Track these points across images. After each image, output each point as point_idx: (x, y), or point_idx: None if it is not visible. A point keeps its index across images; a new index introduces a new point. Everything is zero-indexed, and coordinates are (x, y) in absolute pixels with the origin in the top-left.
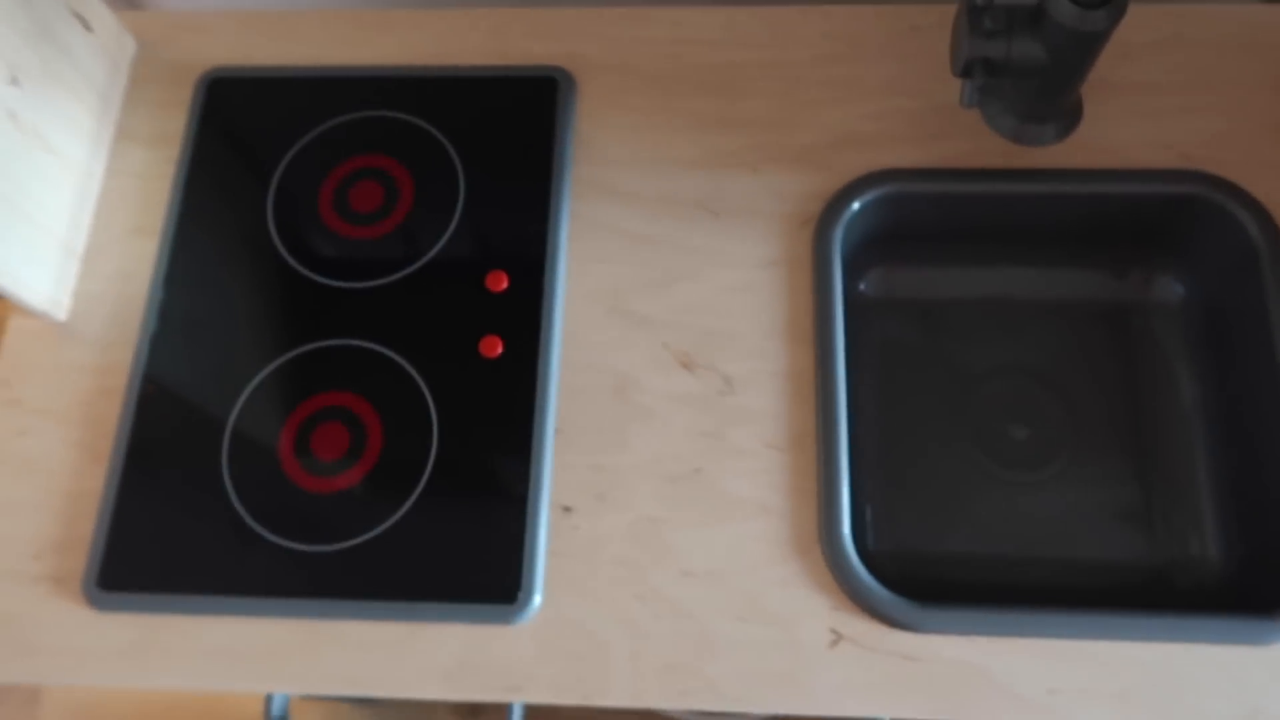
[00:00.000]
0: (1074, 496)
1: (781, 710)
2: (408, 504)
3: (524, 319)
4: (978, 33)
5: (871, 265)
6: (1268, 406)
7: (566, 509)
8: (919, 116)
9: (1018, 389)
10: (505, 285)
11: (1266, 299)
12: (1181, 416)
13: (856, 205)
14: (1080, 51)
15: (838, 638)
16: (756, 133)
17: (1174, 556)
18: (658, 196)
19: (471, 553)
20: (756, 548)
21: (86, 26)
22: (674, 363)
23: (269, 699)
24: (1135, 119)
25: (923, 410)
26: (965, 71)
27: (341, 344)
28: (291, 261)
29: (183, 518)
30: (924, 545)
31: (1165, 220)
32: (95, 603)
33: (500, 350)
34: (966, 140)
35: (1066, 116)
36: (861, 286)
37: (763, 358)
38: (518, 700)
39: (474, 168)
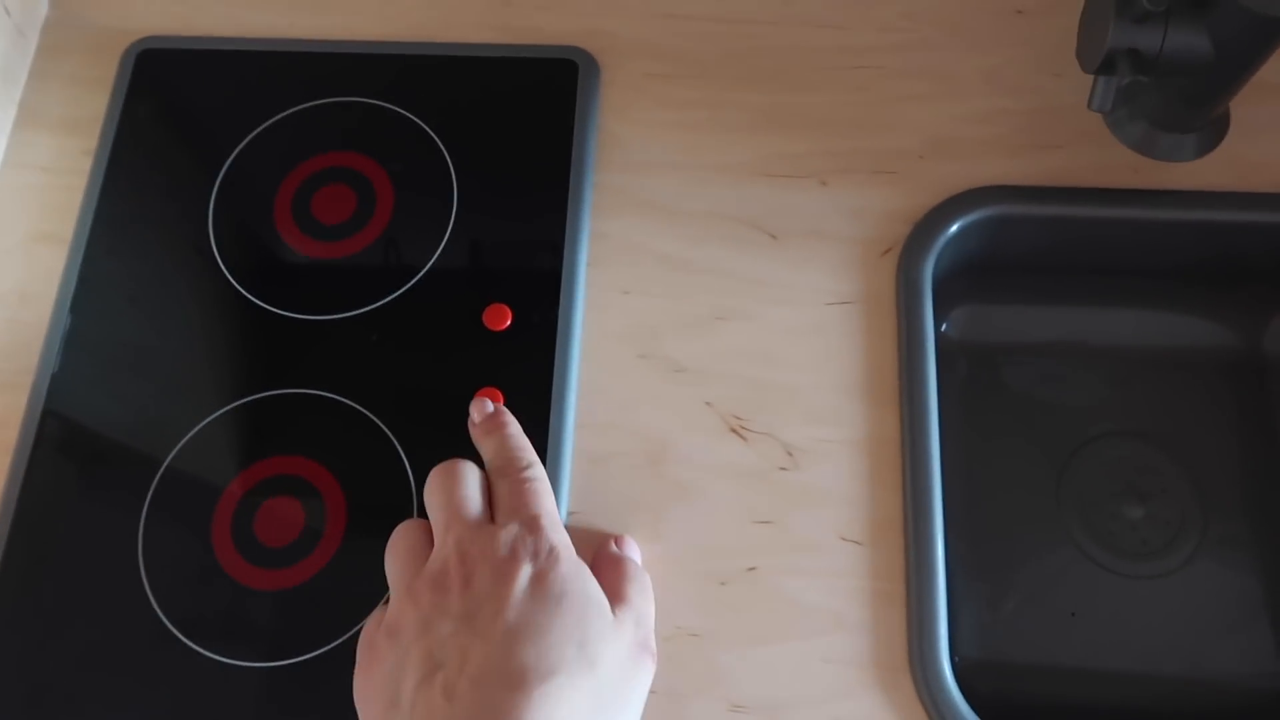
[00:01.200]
0: (1202, 596)
1: None
2: (377, 608)
3: (531, 366)
4: (1127, 17)
5: (956, 302)
6: None
7: None
8: (1025, 120)
9: (1132, 458)
10: (508, 322)
11: None
12: None
13: (954, 230)
14: (1257, 45)
15: None
16: (825, 135)
17: None
18: (701, 212)
19: None
20: (829, 672)
21: None
22: (721, 426)
23: None
24: None
25: (1016, 482)
26: (1105, 66)
27: (296, 394)
28: (235, 284)
29: (82, 619)
30: (1020, 655)
31: None
32: None
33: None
34: (1083, 151)
35: (1211, 127)
36: (943, 327)
37: (834, 422)
38: None
39: (471, 172)
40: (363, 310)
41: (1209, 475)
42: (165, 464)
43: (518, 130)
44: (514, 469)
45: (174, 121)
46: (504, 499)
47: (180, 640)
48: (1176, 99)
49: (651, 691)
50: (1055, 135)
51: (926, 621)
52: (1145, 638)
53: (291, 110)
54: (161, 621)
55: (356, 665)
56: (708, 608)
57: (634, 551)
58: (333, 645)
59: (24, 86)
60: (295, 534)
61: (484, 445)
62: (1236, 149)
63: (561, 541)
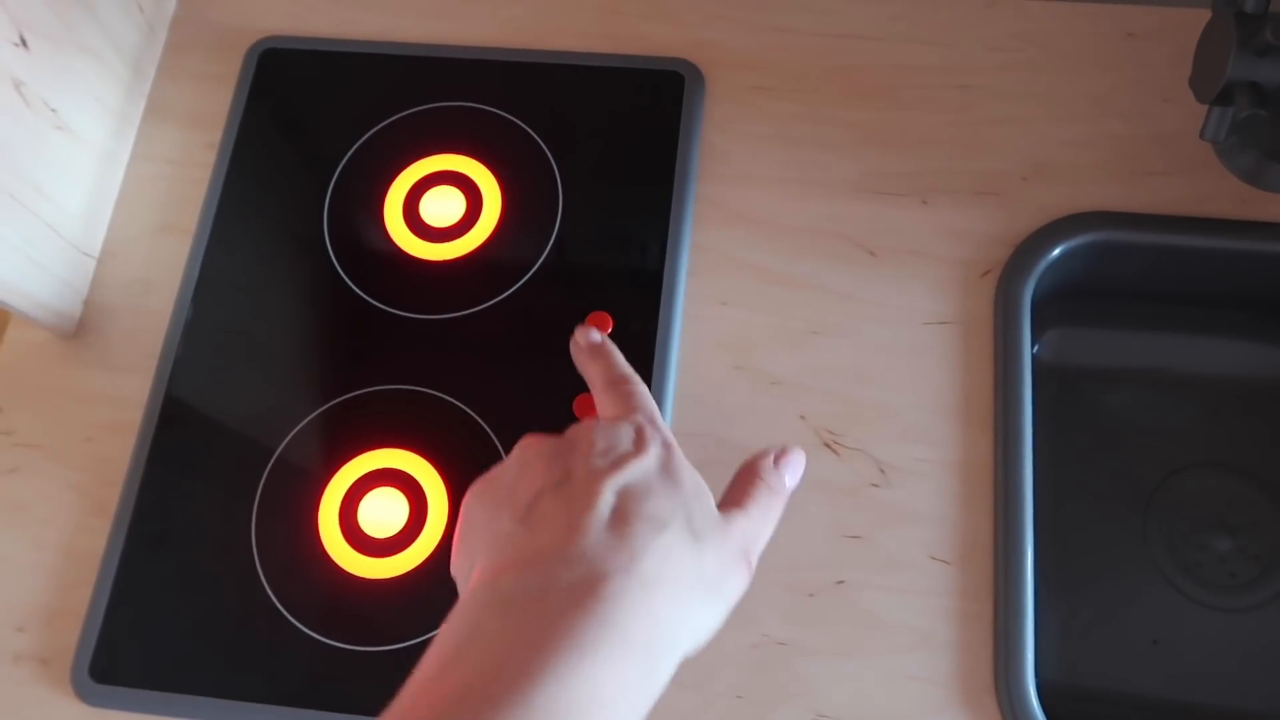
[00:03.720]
0: None
1: None
2: None
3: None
4: (1249, 50)
5: (1050, 324)
6: None
7: None
8: (1132, 145)
9: (1222, 489)
10: (609, 329)
11: None
12: None
13: (1055, 254)
14: None
15: None
16: (927, 154)
17: None
18: (801, 227)
19: None
20: (912, 690)
21: None
22: (815, 440)
23: None
24: None
25: (1103, 507)
26: (1222, 98)
27: (402, 389)
28: (348, 281)
29: (200, 598)
30: (1101, 681)
31: None
32: (86, 696)
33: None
34: (1190, 179)
35: None
36: (1036, 349)
37: (928, 442)
38: None
39: (576, 179)
40: (468, 312)
41: None
42: (277, 452)
43: (623, 139)
44: (622, 383)
45: (293, 120)
46: (611, 408)
47: (288, 619)
48: None
49: (739, 696)
50: (1162, 162)
51: (1013, 644)
52: (1228, 671)
53: (404, 113)
54: (270, 598)
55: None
56: (795, 618)
57: (791, 473)
58: (431, 634)
59: (153, 81)
60: (400, 525)
61: (589, 368)
62: None
63: (671, 439)
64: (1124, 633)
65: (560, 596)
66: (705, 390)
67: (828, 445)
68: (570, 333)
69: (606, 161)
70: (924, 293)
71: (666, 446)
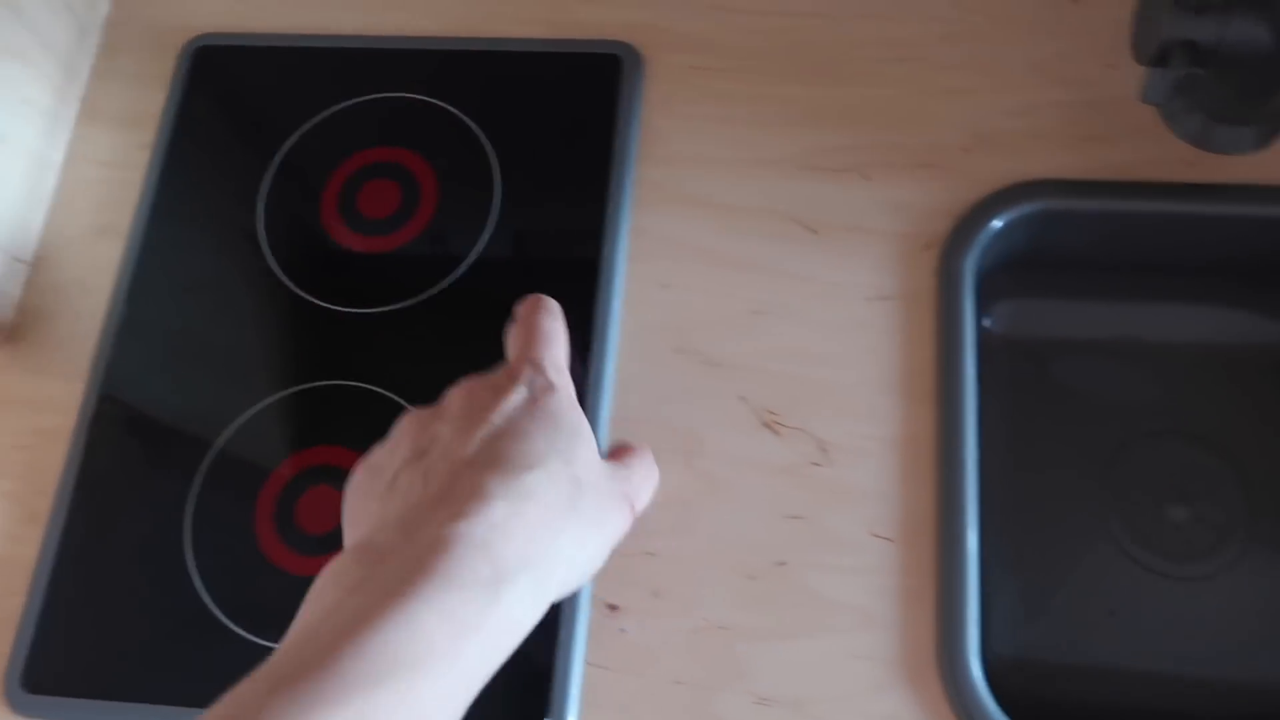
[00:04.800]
0: (1250, 597)
1: None
2: None
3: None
4: (1185, 7)
5: (1001, 296)
6: None
7: (612, 607)
8: (1076, 112)
9: (1179, 457)
10: None
11: None
12: None
13: (998, 225)
14: None
15: None
16: (869, 129)
17: None
18: (742, 207)
19: None
20: (856, 669)
21: None
22: (755, 421)
23: None
24: None
25: (1058, 479)
26: (1160, 58)
27: (340, 385)
28: (284, 278)
29: (134, 605)
30: (1057, 654)
31: None
32: (18, 706)
33: None
34: (1136, 144)
35: (1270, 118)
36: (986, 323)
37: (870, 419)
38: None
39: (513, 167)
40: (405, 304)
41: (1257, 476)
42: (212, 454)
43: (561, 124)
44: (531, 338)
45: (229, 117)
46: (514, 349)
47: (221, 621)
48: (1234, 91)
49: (679, 682)
50: (1106, 128)
51: (955, 619)
52: (1186, 640)
53: (340, 106)
54: (204, 602)
55: (348, 482)
56: (736, 601)
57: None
58: None
59: (86, 83)
60: (336, 522)
61: (516, 329)
62: None
63: (562, 382)
64: (1080, 605)
65: (401, 559)
66: (645, 374)
67: (768, 425)
68: (509, 318)
69: (544, 148)
70: (866, 268)
71: (543, 389)
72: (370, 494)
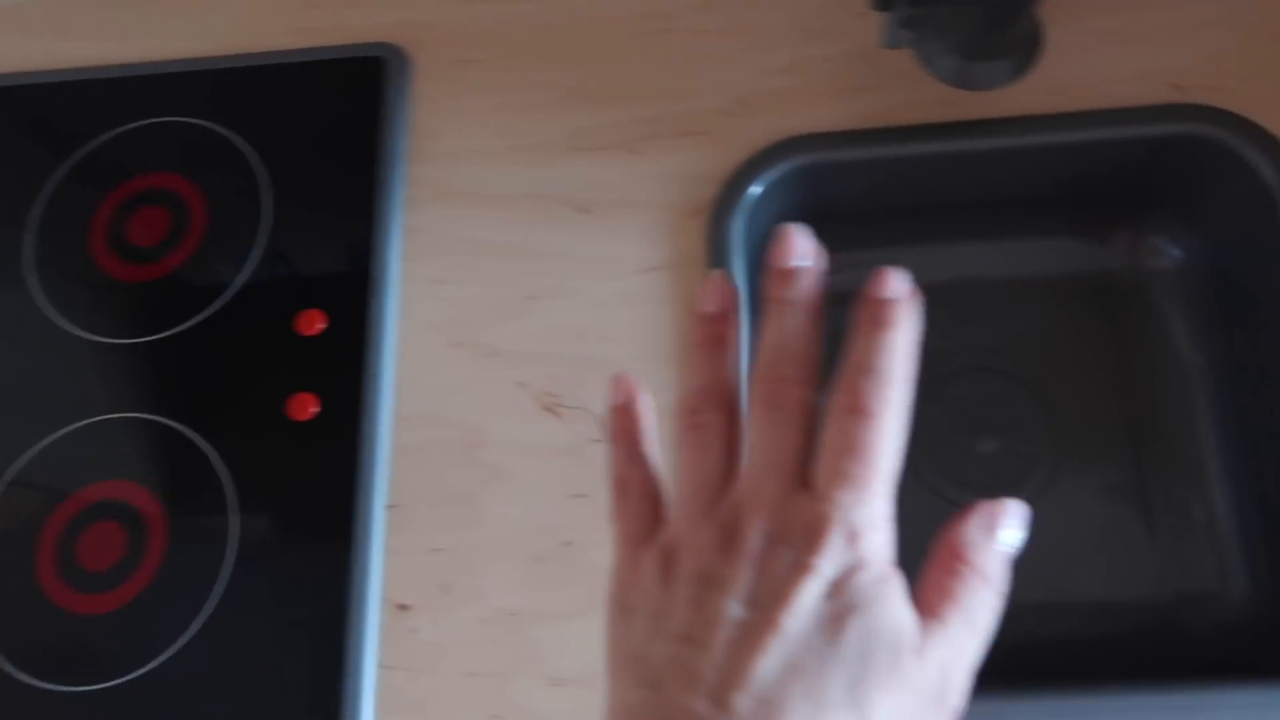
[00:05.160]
0: (1061, 523)
1: None
2: (199, 620)
3: (344, 366)
4: None
5: None
6: None
7: (403, 607)
8: (839, 65)
9: (982, 392)
10: (321, 326)
11: None
12: (1187, 412)
13: (760, 186)
14: None
15: None
16: (635, 104)
17: (1186, 591)
18: (514, 194)
19: (281, 675)
20: None
21: None
22: (536, 406)
23: None
24: (1111, 43)
25: None
26: (885, 2)
27: (114, 418)
28: (53, 315)
29: None
30: None
31: (1156, 170)
32: None
33: (314, 410)
34: (900, 90)
35: (1023, 49)
36: None
37: (648, 390)
38: None
39: (283, 180)
40: (177, 330)
41: (1060, 401)
42: None
43: (329, 133)
44: (865, 396)
45: None
46: (831, 443)
47: (5, 670)
48: (977, 26)
49: (473, 674)
50: (867, 78)
51: None
52: (1012, 570)
53: (104, 137)
54: None
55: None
56: (526, 586)
57: (1002, 536)
58: (153, 665)
59: None
60: (117, 558)
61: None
62: (1053, 70)
63: (880, 537)
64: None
65: None
66: (424, 372)
67: (548, 409)
68: (283, 334)
69: (313, 158)
70: (637, 241)
71: (852, 572)
72: (629, 655)
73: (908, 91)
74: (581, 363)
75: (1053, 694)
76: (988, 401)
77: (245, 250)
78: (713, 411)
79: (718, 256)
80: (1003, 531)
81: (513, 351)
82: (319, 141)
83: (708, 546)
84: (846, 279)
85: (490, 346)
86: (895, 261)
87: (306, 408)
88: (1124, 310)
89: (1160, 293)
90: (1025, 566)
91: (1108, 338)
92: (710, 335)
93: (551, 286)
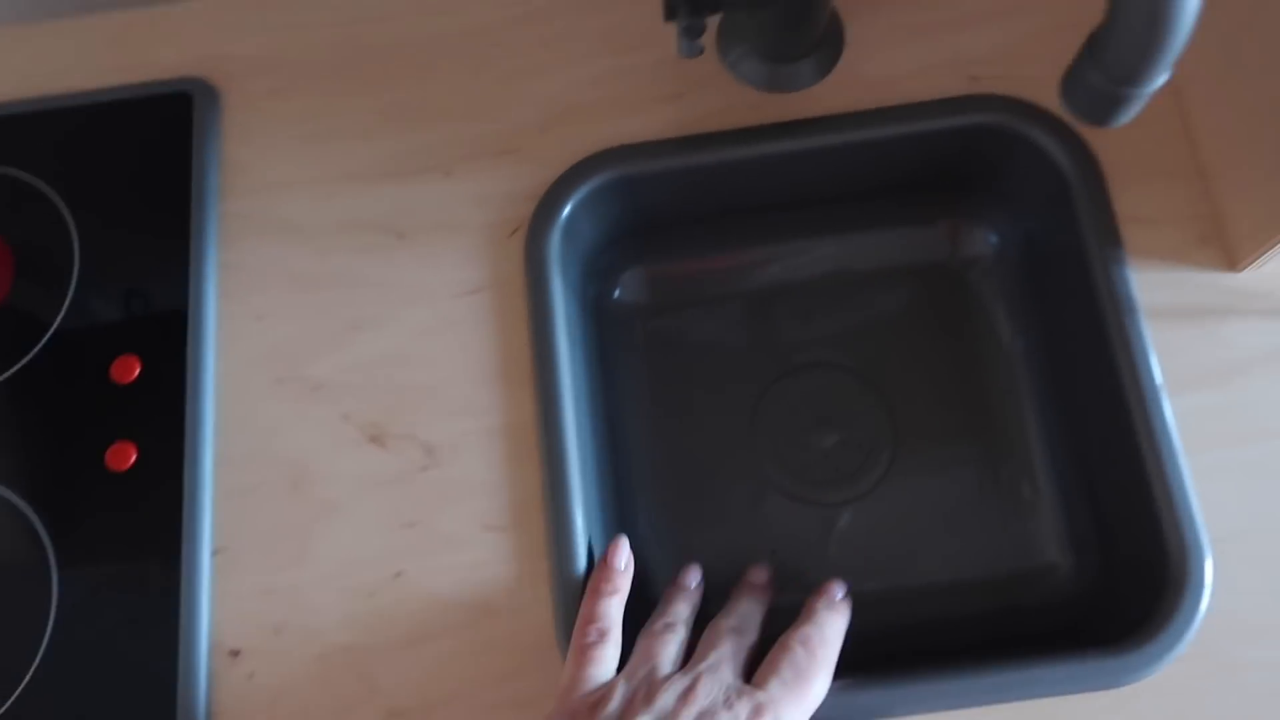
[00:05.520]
0: (904, 511)
1: None
2: (24, 681)
3: (163, 411)
4: None
5: (624, 266)
6: (1092, 366)
7: (234, 653)
8: (650, 75)
9: (823, 387)
10: (137, 372)
11: (1084, 241)
12: (1014, 395)
13: (571, 202)
14: None
15: None
16: (447, 125)
17: (1020, 570)
18: (330, 224)
19: None
20: (482, 661)
21: None
22: (361, 437)
23: None
24: (910, 37)
25: (711, 432)
26: (670, 13)
27: None
28: None
29: None
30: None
31: (964, 158)
32: None
33: (134, 459)
34: (712, 96)
35: (824, 48)
36: (616, 293)
37: (472, 414)
38: None
39: (92, 225)
40: None
41: (897, 391)
42: None
43: (137, 173)
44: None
45: None
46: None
47: None
48: (773, 28)
49: (308, 715)
50: (677, 85)
51: (571, 596)
52: (847, 563)
53: None
54: None
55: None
56: (358, 621)
57: (833, 619)
58: None
59: None
60: None
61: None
62: (856, 67)
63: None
64: (745, 549)
65: None
66: (247, 411)
67: (374, 439)
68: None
69: (122, 200)
70: (456, 264)
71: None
72: None
73: (718, 97)
74: (406, 390)
75: (901, 679)
76: (827, 395)
77: (56, 300)
78: (605, 644)
79: (536, 274)
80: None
81: (336, 384)
82: (129, 182)
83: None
84: (684, 286)
85: (313, 380)
86: (724, 266)
87: (125, 457)
88: (952, 298)
89: (981, 279)
90: (873, 556)
91: (939, 325)
92: (615, 587)
93: (372, 315)
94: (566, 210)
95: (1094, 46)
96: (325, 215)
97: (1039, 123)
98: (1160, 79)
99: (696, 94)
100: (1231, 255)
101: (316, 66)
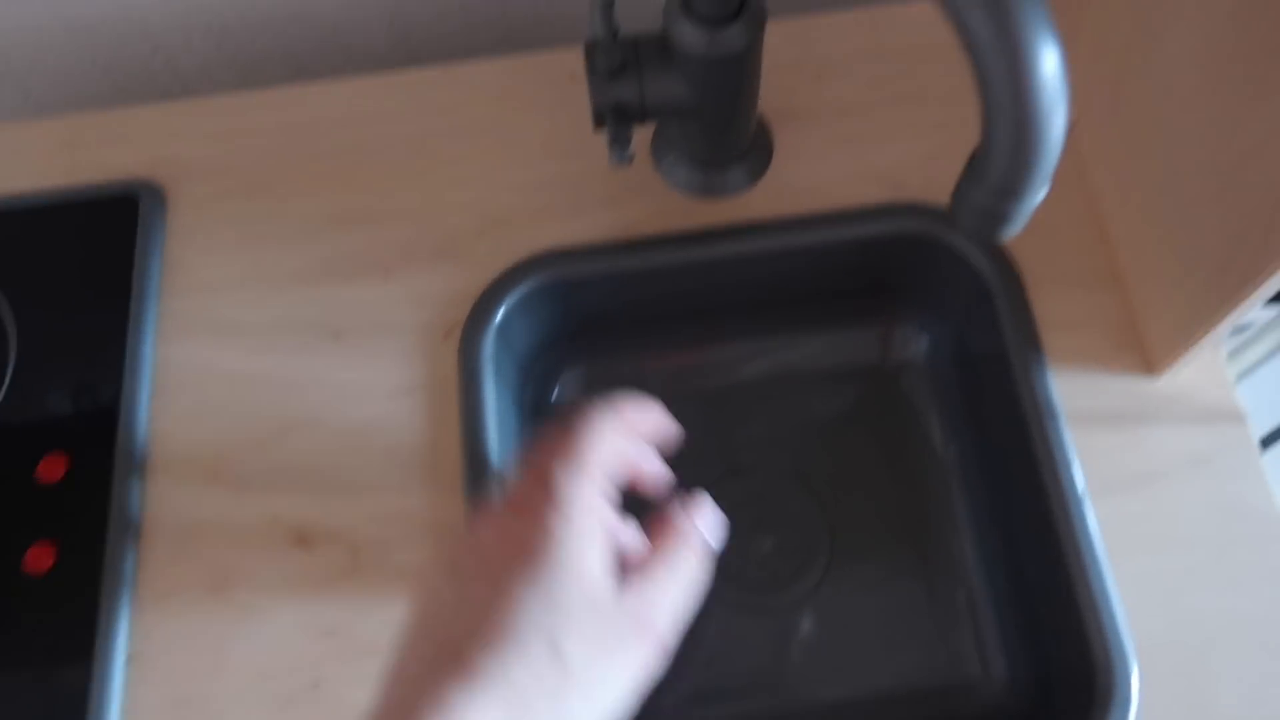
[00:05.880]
0: (839, 618)
1: None
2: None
3: (88, 511)
4: (600, 74)
5: (563, 368)
6: (1018, 473)
7: None
8: (586, 180)
9: (760, 491)
10: (63, 472)
11: (1007, 346)
12: (947, 503)
13: (505, 305)
14: (728, 79)
15: None
16: (389, 227)
17: (954, 681)
18: (267, 323)
19: None
20: None
21: None
22: (285, 539)
23: None
24: (835, 147)
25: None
26: (598, 123)
27: None
28: None
29: None
30: (667, 715)
31: (891, 264)
32: None
33: (52, 562)
34: (646, 202)
35: (753, 156)
36: (555, 394)
37: (400, 516)
38: None
39: (31, 325)
40: None
41: (834, 496)
42: None
43: (79, 274)
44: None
45: None
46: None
47: None
48: (701, 138)
49: None
50: (615, 191)
51: None
52: (782, 669)
53: None
54: None
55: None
56: None
57: (702, 519)
58: None
59: None
60: None
61: None
62: (785, 174)
63: (563, 498)
64: (678, 655)
65: None
66: (173, 514)
67: (300, 541)
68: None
69: (63, 301)
70: (390, 365)
71: (531, 513)
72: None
73: (652, 202)
74: (334, 491)
75: None
76: (764, 499)
77: None
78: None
79: (469, 376)
80: (699, 516)
81: (264, 485)
82: (70, 283)
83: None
84: (628, 384)
85: (242, 481)
86: (661, 368)
87: (44, 560)
88: (887, 401)
89: (914, 383)
90: (806, 665)
91: (875, 429)
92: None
93: (304, 415)
94: (500, 313)
95: (973, 166)
96: (264, 314)
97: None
98: (1038, 194)
99: (631, 200)
100: (1150, 360)
101: (263, 170)
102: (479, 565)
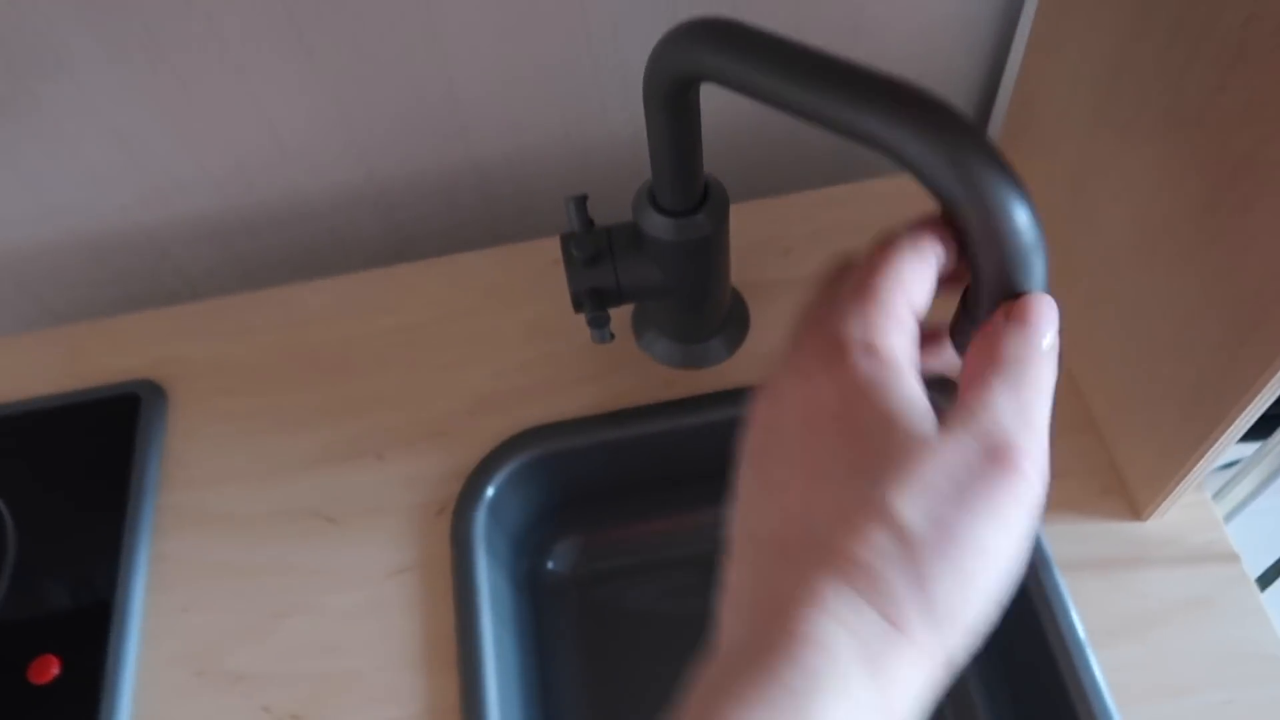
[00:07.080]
0: None
1: None
2: None
3: (78, 714)
4: (577, 262)
5: (556, 538)
6: (1017, 622)
7: None
8: (570, 359)
9: None
10: (55, 673)
11: None
12: None
13: (496, 480)
14: (697, 262)
15: None
16: (381, 413)
17: None
18: (264, 513)
19: None
20: None
21: None
22: None
23: None
24: None
25: (647, 704)
26: (577, 307)
27: None
28: None
29: None
30: None
31: None
32: None
33: None
34: (629, 376)
35: (730, 327)
36: (550, 565)
37: (393, 701)
38: None
39: (31, 527)
40: None
41: None
42: None
43: (79, 474)
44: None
45: None
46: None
47: None
48: (677, 314)
49: None
50: (598, 368)
51: None
52: None
53: None
54: None
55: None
56: None
57: (1042, 321)
58: None
59: None
60: None
61: None
62: (761, 344)
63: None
64: None
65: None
66: (165, 708)
67: None
68: (14, 685)
69: (65, 500)
70: (385, 546)
71: (856, 373)
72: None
73: (634, 376)
74: (328, 679)
75: None
76: None
77: None
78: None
79: (461, 552)
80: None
81: (258, 674)
82: (72, 483)
83: None
84: (621, 555)
85: (234, 672)
86: (660, 534)
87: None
88: None
89: None
90: None
91: None
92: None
93: (298, 602)
94: (491, 488)
95: (966, 300)
96: (260, 504)
97: (932, 388)
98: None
99: (614, 374)
100: (1134, 505)
101: (261, 366)
102: (781, 446)
